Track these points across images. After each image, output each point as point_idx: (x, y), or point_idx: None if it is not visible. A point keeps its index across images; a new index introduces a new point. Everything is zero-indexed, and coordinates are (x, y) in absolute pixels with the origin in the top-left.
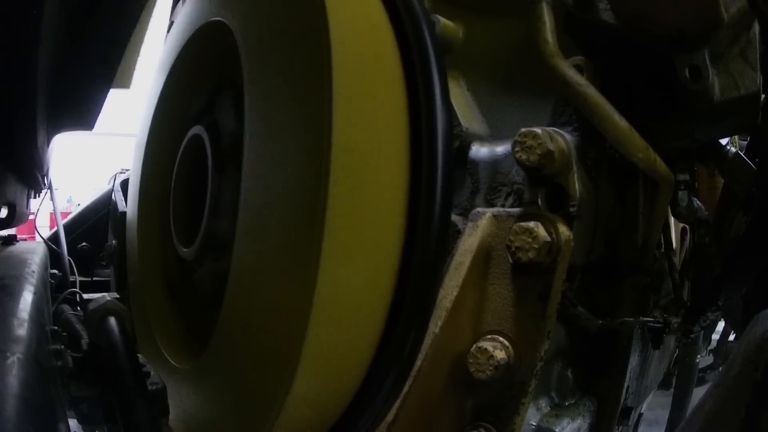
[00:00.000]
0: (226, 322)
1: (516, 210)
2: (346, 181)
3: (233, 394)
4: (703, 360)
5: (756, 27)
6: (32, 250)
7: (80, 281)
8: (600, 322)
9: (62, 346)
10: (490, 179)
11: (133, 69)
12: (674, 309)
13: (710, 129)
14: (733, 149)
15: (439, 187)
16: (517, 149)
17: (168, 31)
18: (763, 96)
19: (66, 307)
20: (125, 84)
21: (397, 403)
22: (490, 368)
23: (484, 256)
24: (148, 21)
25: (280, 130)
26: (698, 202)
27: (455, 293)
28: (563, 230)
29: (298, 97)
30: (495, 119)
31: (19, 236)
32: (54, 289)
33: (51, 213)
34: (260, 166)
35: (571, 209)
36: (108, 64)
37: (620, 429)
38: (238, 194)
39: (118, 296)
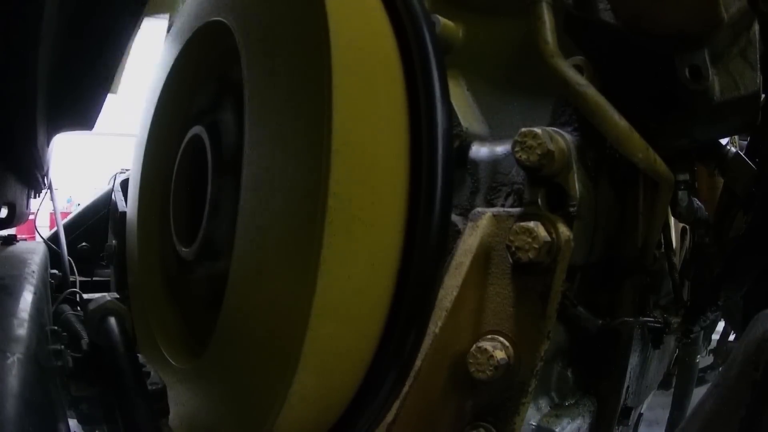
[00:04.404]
0: (226, 322)
1: (516, 210)
2: (346, 180)
3: (233, 394)
4: (703, 360)
5: (756, 27)
6: (32, 250)
7: (80, 281)
8: (600, 322)
9: (62, 346)
10: (490, 179)
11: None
12: (674, 309)
13: (710, 129)
14: (733, 149)
15: (439, 187)
16: (517, 149)
17: (168, 31)
18: (763, 96)
19: (66, 307)
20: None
21: (397, 403)
22: (490, 368)
23: (484, 256)
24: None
25: (280, 130)
26: (698, 202)
27: (455, 293)
28: (563, 230)
29: (298, 97)
30: (495, 119)
31: (19, 236)
32: (54, 289)
33: (51, 213)
34: (260, 166)
35: (571, 209)
36: (108, 64)
37: (620, 429)
38: (238, 194)
39: (118, 296)
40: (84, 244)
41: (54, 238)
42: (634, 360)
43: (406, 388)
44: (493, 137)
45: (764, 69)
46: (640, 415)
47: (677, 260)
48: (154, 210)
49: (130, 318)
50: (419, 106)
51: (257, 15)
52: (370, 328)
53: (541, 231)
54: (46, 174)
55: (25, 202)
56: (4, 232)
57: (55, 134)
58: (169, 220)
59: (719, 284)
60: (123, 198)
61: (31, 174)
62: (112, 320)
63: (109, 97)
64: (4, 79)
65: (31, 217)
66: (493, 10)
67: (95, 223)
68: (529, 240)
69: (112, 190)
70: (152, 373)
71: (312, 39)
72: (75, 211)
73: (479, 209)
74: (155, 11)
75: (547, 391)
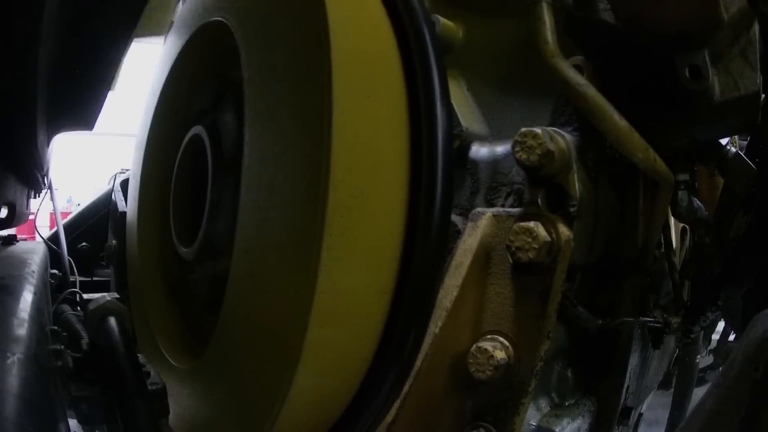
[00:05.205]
0: (226, 322)
1: (516, 210)
2: (345, 180)
3: (233, 394)
4: (703, 360)
5: (756, 27)
6: (32, 250)
7: (80, 281)
8: (600, 322)
9: (62, 346)
10: (490, 179)
11: (170, 18)
12: (674, 309)
13: (710, 129)
14: (733, 149)
15: (439, 187)
16: (517, 149)
17: (168, 31)
18: (763, 96)
19: (66, 307)
20: (160, 32)
21: (397, 403)
22: (490, 368)
23: (484, 256)
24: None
25: (280, 130)
26: (698, 202)
27: (455, 293)
28: (563, 230)
29: (298, 97)
30: (495, 119)
31: (19, 236)
32: (54, 289)
33: (51, 213)
34: (260, 166)
35: (571, 209)
36: (108, 64)
37: (620, 429)
38: (238, 194)
39: (118, 296)
40: (84, 244)
41: (54, 238)
42: (634, 360)
43: (406, 388)
44: (493, 137)
45: (764, 69)
46: (640, 415)
47: (677, 260)
48: (154, 210)
49: (130, 318)
50: (419, 107)
51: (257, 15)
52: (370, 328)
53: (541, 231)
54: (46, 174)
55: (25, 202)
56: (4, 232)
57: (55, 134)
58: (169, 220)
59: (719, 284)
60: (123, 198)
61: (31, 174)
62: (112, 320)
63: (109, 97)
64: (4, 79)
65: (31, 217)
66: (493, 10)
67: (95, 223)
68: (529, 240)
69: (112, 190)
70: (152, 373)
71: (312, 39)
72: (75, 211)
73: (479, 209)
74: (145, 33)
75: (547, 391)
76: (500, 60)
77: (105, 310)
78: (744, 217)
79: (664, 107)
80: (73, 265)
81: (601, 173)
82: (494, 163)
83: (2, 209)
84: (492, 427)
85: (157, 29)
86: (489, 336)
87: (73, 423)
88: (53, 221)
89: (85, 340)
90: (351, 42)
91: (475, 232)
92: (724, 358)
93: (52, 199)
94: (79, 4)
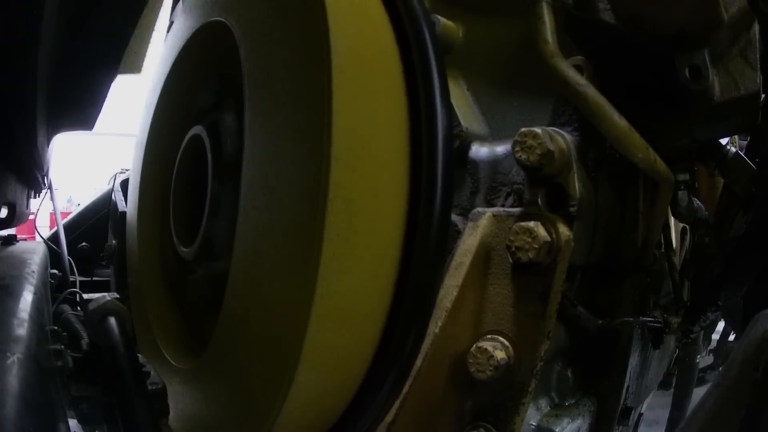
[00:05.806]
0: (227, 322)
1: (516, 210)
2: (345, 181)
3: (233, 394)
4: (703, 360)
5: (756, 27)
6: (32, 250)
7: (80, 281)
8: (600, 322)
9: (62, 346)
10: (490, 179)
11: (144, 54)
12: (674, 309)
13: (710, 129)
14: (733, 149)
15: (439, 187)
16: (517, 149)
17: (168, 31)
18: (763, 96)
19: (66, 307)
20: (136, 69)
21: (397, 403)
22: (490, 368)
23: (484, 256)
24: (160, 4)
25: (280, 130)
26: (698, 202)
27: (455, 293)
28: (563, 230)
29: (298, 98)
30: (495, 119)
31: (19, 236)
32: (54, 289)
33: (51, 213)
34: (260, 166)
35: (571, 209)
36: (108, 64)
37: (620, 429)
38: (238, 194)
39: (118, 296)
40: (84, 244)
41: (54, 238)
42: (634, 360)
43: (406, 388)
44: (493, 137)
45: (764, 69)
46: (640, 415)
47: (677, 260)
48: (154, 210)
49: (130, 318)
50: (419, 107)
51: (257, 15)
52: (370, 329)
53: (541, 231)
54: (46, 174)
55: (25, 202)
56: (4, 232)
57: (55, 134)
58: (169, 220)
59: (719, 284)
60: (123, 198)
61: (31, 174)
62: (112, 320)
63: (109, 97)
64: (4, 79)
65: (31, 217)
66: (493, 10)
67: (95, 223)
68: (529, 240)
69: (112, 190)
70: (152, 373)
71: (312, 39)
72: (75, 211)
73: (479, 209)
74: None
75: (547, 391)
76: (500, 60)
77: (105, 310)
78: (744, 217)
79: (664, 107)
80: (73, 265)
81: (601, 173)
82: (494, 163)
83: (2, 209)
84: (492, 427)
85: (132, 66)
86: (489, 336)
87: (73, 423)
88: (53, 221)
89: (85, 340)
90: (351, 42)
91: (475, 232)
92: (724, 358)
93: (52, 199)
94: (79, 4)
